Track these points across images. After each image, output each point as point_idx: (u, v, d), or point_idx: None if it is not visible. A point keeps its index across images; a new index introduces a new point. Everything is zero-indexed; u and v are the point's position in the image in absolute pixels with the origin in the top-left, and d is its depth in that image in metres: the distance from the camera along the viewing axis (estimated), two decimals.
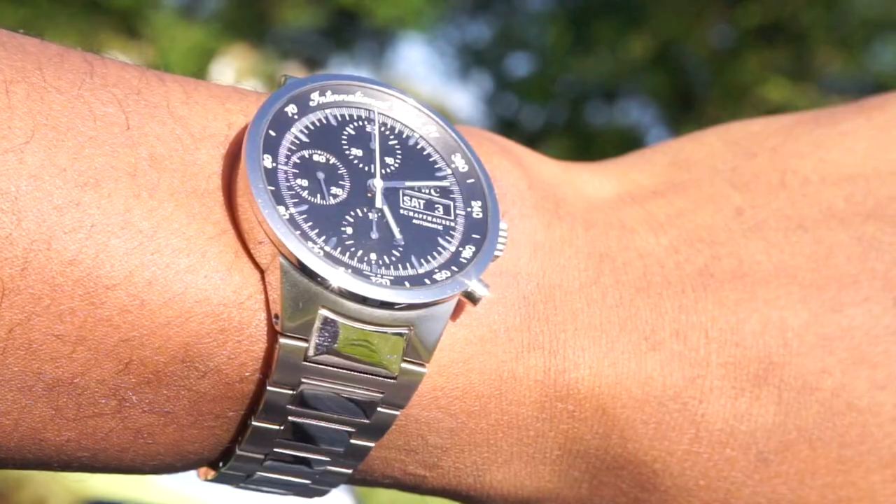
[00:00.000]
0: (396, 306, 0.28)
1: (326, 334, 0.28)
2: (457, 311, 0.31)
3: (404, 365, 0.29)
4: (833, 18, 7.42)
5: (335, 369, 0.28)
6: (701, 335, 0.33)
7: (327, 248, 0.28)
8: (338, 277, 0.28)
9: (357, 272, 0.28)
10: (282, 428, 0.29)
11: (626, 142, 7.90)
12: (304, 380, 0.28)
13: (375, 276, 0.29)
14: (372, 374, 0.29)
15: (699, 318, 0.33)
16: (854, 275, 0.34)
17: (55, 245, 0.25)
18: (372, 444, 0.30)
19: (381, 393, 0.29)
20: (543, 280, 0.33)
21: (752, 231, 0.35)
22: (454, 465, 0.32)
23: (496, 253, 0.31)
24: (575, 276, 0.33)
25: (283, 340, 0.27)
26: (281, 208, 0.28)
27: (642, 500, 0.34)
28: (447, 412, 0.31)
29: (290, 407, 0.28)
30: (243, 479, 0.30)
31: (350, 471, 0.30)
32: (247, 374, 0.28)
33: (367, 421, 0.29)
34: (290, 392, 0.28)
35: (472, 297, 0.30)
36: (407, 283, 0.29)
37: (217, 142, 0.29)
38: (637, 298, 0.33)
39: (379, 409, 0.30)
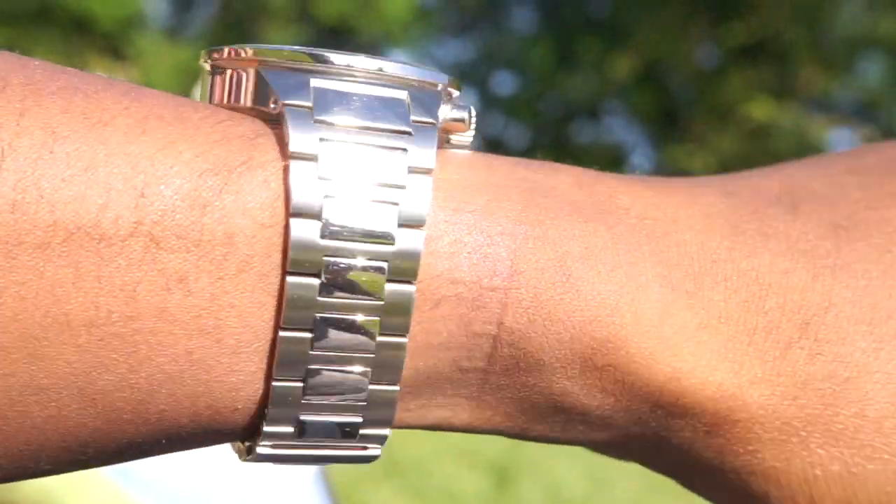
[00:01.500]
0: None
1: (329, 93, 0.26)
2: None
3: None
4: (816, 37, 7.48)
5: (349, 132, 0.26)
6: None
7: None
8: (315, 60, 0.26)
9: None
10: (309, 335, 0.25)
11: (612, 159, 7.92)
12: (322, 137, 0.25)
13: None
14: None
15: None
16: None
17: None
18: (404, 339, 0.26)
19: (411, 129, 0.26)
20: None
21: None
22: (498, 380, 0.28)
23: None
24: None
25: (288, 111, 0.25)
26: None
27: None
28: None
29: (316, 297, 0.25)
30: (287, 451, 0.28)
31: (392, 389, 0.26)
32: (269, 164, 0.25)
33: (382, 301, 0.25)
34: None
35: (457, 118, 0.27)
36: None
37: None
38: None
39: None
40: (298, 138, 0.24)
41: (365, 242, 0.25)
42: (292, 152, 0.24)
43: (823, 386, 0.28)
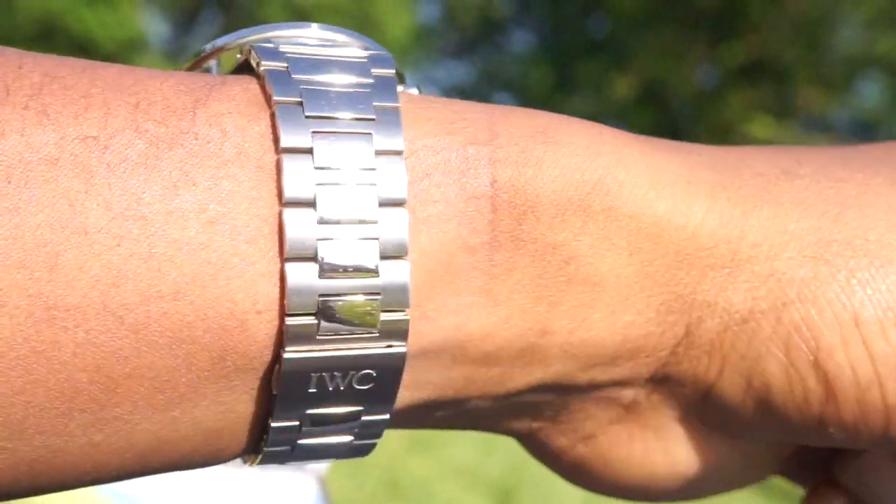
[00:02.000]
0: None
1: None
2: None
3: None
4: (815, 57, 7.50)
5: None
6: None
7: None
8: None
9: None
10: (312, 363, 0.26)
11: None
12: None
13: None
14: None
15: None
16: None
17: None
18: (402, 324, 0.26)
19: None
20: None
21: None
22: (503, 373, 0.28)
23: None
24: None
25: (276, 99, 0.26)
26: None
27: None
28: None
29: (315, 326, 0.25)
30: (289, 455, 0.28)
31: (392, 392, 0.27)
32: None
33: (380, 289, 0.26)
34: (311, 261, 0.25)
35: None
36: None
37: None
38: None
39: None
40: (268, 55, 0.26)
41: (349, 120, 0.26)
42: (265, 66, 0.26)
43: (824, 208, 0.29)
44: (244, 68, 0.27)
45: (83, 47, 6.77)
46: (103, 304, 0.23)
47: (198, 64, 0.29)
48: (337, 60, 0.27)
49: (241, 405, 0.26)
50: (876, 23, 7.14)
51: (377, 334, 0.26)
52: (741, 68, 7.50)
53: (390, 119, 0.26)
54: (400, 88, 0.28)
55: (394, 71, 0.27)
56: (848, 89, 7.67)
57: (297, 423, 0.26)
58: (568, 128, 0.28)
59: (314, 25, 0.28)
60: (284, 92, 0.26)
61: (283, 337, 0.25)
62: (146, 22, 7.53)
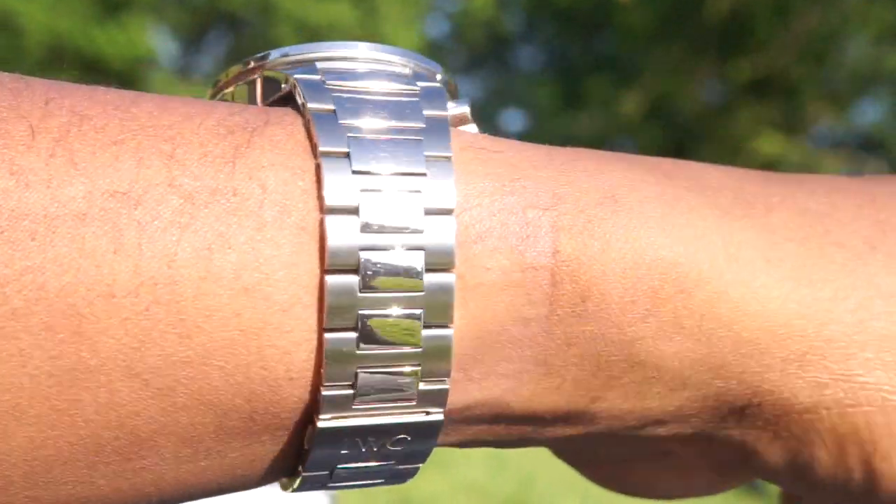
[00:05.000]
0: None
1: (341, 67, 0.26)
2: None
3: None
4: (823, 73, 7.50)
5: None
6: None
7: None
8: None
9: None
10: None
11: None
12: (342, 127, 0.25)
13: None
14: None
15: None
16: None
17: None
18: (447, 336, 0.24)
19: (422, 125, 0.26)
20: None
21: None
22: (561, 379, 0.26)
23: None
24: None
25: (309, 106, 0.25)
26: None
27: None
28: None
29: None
30: (328, 479, 0.27)
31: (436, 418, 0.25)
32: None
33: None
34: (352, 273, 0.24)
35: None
36: None
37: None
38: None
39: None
40: (313, 95, 0.24)
41: (397, 176, 0.24)
42: (311, 108, 0.24)
43: None
44: (288, 98, 0.26)
45: (92, 66, 6.80)
46: (128, 367, 0.22)
47: (239, 78, 0.28)
48: (386, 101, 0.25)
49: (270, 455, 0.25)
50: (883, 39, 7.14)
51: (415, 403, 0.24)
52: (749, 85, 7.49)
53: (442, 172, 0.24)
54: (451, 106, 0.27)
55: (446, 112, 0.25)
56: (856, 105, 7.65)
57: (327, 472, 0.26)
58: (640, 192, 0.26)
59: (361, 45, 0.27)
60: (331, 141, 0.24)
61: (318, 405, 0.24)
62: (155, 40, 7.57)
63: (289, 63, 0.26)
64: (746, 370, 0.26)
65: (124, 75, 7.01)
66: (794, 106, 7.59)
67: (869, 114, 7.78)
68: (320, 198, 0.23)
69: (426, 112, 0.25)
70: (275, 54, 0.27)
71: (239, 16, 7.82)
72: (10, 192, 0.22)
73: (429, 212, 0.24)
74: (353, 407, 0.24)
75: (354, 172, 0.24)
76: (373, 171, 0.24)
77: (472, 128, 0.27)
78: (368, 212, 0.24)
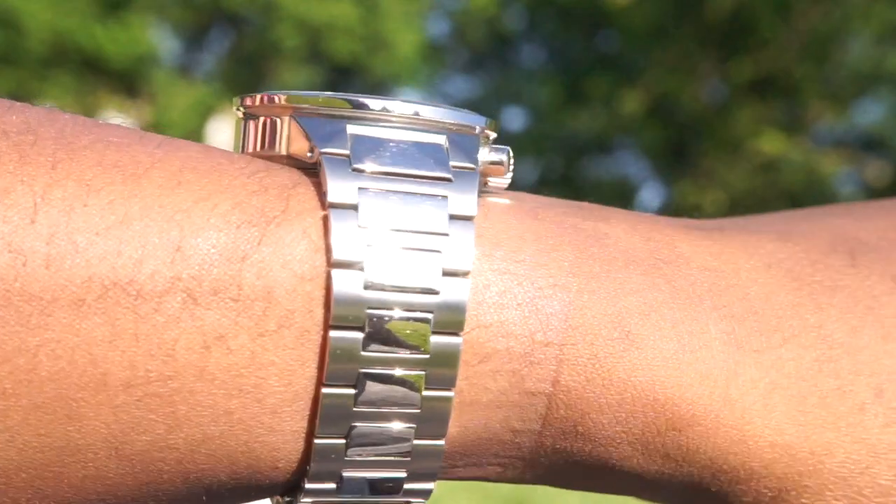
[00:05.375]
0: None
1: (362, 146, 0.25)
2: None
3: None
4: (825, 72, 7.49)
5: (390, 177, 0.25)
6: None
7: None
8: (353, 98, 0.25)
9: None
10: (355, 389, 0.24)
11: (621, 194, 7.92)
12: (360, 188, 0.24)
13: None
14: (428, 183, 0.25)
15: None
16: None
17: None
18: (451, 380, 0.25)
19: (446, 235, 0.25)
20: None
21: None
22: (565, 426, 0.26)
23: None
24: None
25: (325, 159, 0.24)
26: None
27: None
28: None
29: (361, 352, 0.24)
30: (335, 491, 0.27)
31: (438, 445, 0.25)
32: (307, 212, 0.24)
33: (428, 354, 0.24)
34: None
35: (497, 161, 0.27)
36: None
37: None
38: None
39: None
40: (336, 187, 0.24)
41: (409, 293, 0.24)
42: (331, 202, 0.24)
43: None
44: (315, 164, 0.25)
45: (94, 64, 6.80)
46: (115, 449, 0.23)
47: (269, 110, 0.26)
48: (415, 196, 0.24)
49: None
50: (885, 38, 7.13)
51: (399, 497, 0.25)
52: (750, 84, 7.49)
53: (455, 295, 0.24)
54: (484, 153, 0.26)
55: (474, 212, 0.25)
56: (858, 105, 7.65)
57: None
58: (655, 322, 0.26)
59: (398, 101, 0.26)
60: (346, 251, 0.23)
61: (301, 493, 0.24)
62: (157, 38, 7.57)
63: (318, 109, 0.25)
64: (721, 492, 0.27)
65: (125, 74, 7.02)
66: (795, 105, 7.59)
67: (870, 113, 7.77)
68: (327, 308, 0.23)
69: (453, 212, 0.25)
70: (306, 94, 0.26)
71: (240, 14, 7.83)
72: (8, 270, 0.21)
73: (436, 331, 0.24)
74: (338, 499, 0.24)
75: (366, 287, 0.23)
76: (384, 302, 0.23)
77: (507, 179, 0.27)
78: (374, 335, 0.23)
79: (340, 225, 0.23)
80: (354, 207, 0.24)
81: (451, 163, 0.25)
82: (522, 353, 0.24)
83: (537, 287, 0.25)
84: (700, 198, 7.26)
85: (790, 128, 7.38)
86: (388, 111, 0.25)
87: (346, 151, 0.24)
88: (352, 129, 0.25)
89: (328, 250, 0.23)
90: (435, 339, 0.24)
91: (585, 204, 0.29)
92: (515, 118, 9.03)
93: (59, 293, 0.22)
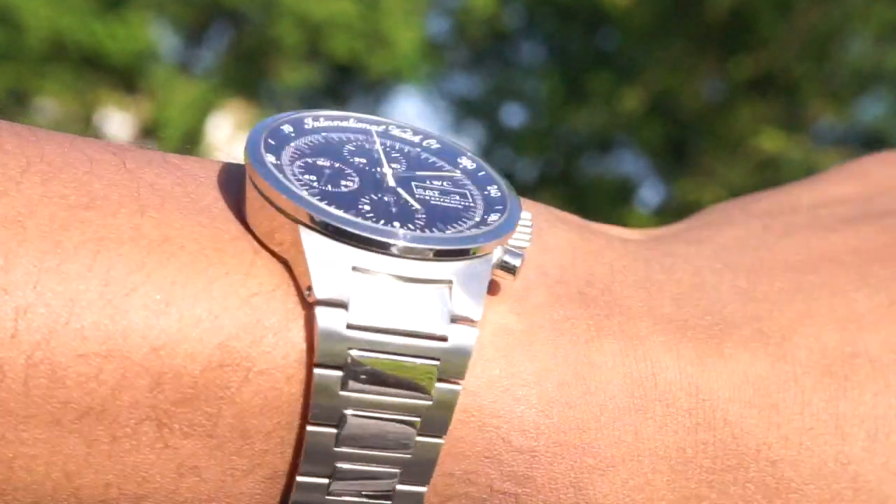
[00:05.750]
0: (430, 253, 0.27)
1: (364, 295, 0.26)
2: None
3: (452, 328, 0.27)
4: (825, 71, 7.49)
5: (382, 337, 0.26)
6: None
7: (348, 216, 0.27)
8: (363, 227, 0.26)
9: (383, 231, 0.27)
10: (336, 436, 0.26)
11: (621, 192, 7.92)
12: (350, 349, 0.25)
13: (405, 229, 0.27)
14: (416, 337, 0.27)
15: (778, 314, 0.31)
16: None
17: (65, 260, 0.23)
18: (440, 440, 0.27)
19: (436, 360, 0.27)
20: (594, 277, 0.30)
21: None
22: (548, 476, 0.29)
23: (523, 244, 0.29)
24: (626, 274, 0.31)
25: (319, 310, 0.25)
26: (292, 186, 0.27)
27: None
28: (524, 403, 0.28)
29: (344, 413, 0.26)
30: None
31: (421, 489, 0.28)
32: (292, 363, 0.25)
33: (418, 418, 0.27)
34: (340, 380, 0.26)
35: (508, 266, 0.28)
36: (436, 233, 0.28)
37: (219, 182, 0.28)
38: (687, 291, 0.31)
39: (438, 384, 0.27)
40: (326, 350, 0.25)
41: (377, 461, 0.26)
42: (317, 362, 0.25)
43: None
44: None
45: (93, 60, 6.79)
46: None
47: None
48: (398, 371, 0.26)
49: None
50: (885, 37, 7.14)
51: None
52: (750, 82, 7.49)
53: (426, 456, 0.26)
54: (498, 253, 0.28)
55: (459, 388, 0.26)
56: (858, 103, 7.65)
57: None
58: (608, 481, 0.28)
59: (407, 124, 0.28)
60: (324, 416, 0.25)
61: None
62: (156, 35, 7.56)
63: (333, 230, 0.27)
64: None
65: (124, 70, 7.01)
66: (795, 103, 7.59)
67: (870, 111, 7.78)
68: (297, 453, 0.25)
69: (436, 389, 0.27)
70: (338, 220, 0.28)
71: (240, 11, 7.82)
72: None
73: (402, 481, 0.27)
74: None
75: (337, 444, 0.25)
76: (352, 491, 0.26)
77: (517, 259, 0.29)
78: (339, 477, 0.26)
79: (323, 380, 0.25)
80: (339, 382, 0.25)
81: (453, 312, 0.26)
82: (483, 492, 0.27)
83: (504, 440, 0.27)
84: (700, 195, 7.25)
85: (790, 126, 7.37)
86: (410, 250, 0.26)
87: (346, 300, 0.25)
88: (356, 266, 0.26)
89: (306, 403, 0.25)
90: (401, 488, 0.27)
91: (590, 304, 0.30)
92: (515, 115, 9.03)
93: (36, 411, 0.22)
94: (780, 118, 7.48)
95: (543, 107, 8.58)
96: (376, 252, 0.26)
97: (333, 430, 0.25)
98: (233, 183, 0.28)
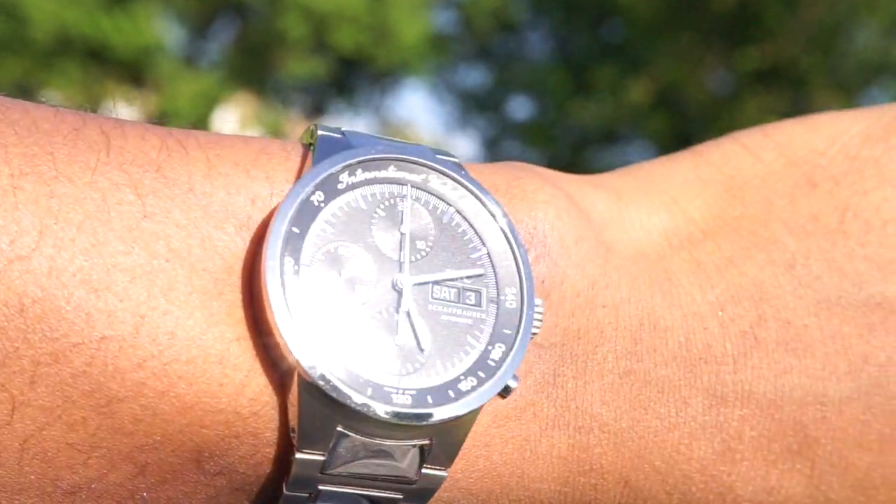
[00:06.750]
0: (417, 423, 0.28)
1: (343, 450, 0.27)
2: None
3: (425, 471, 0.29)
4: (831, 62, 7.47)
5: (353, 479, 0.28)
6: (735, 408, 0.32)
7: (348, 365, 0.27)
8: (358, 401, 0.27)
9: (377, 390, 0.27)
10: None
11: None
12: (321, 487, 0.28)
13: (397, 392, 0.28)
14: (391, 481, 0.29)
15: (735, 389, 0.32)
16: None
17: (63, 358, 0.25)
18: None
19: (400, 494, 0.29)
20: (577, 350, 0.32)
21: (803, 288, 0.33)
22: None
23: (533, 331, 0.30)
24: (611, 346, 0.32)
25: (298, 455, 0.27)
26: (299, 318, 0.27)
27: None
28: (467, 492, 0.30)
29: None
30: None
31: None
32: (264, 473, 0.28)
33: None
34: (308, 495, 0.28)
35: (500, 394, 0.29)
36: (430, 398, 0.28)
37: (239, 222, 0.28)
38: (672, 370, 0.32)
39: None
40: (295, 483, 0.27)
41: None
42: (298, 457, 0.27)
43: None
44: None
45: (100, 53, 6.80)
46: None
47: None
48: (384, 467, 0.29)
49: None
50: (891, 29, 7.11)
51: None
52: (756, 74, 7.48)
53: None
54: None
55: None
56: (864, 95, 7.63)
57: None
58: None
59: (449, 172, 0.31)
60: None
61: None
62: (162, 28, 7.57)
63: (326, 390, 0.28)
64: None
65: (131, 63, 7.02)
66: (801, 95, 7.57)
67: (877, 102, 7.75)
68: None
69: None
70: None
71: (246, 3, 7.83)
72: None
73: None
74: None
75: None
76: None
77: (513, 382, 0.31)
78: None
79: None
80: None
81: (425, 466, 0.29)
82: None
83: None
84: None
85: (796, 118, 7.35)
86: (396, 419, 0.28)
87: (322, 458, 0.27)
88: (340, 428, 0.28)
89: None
90: None
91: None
92: (522, 108, 9.02)
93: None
94: (787, 110, 7.47)
95: (550, 99, 8.58)
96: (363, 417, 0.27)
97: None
98: (255, 227, 0.29)
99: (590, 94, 8.18)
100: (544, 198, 0.33)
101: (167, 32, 7.76)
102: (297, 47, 7.65)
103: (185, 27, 8.16)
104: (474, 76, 9.25)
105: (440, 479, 0.29)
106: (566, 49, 8.84)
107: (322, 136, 0.31)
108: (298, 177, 0.30)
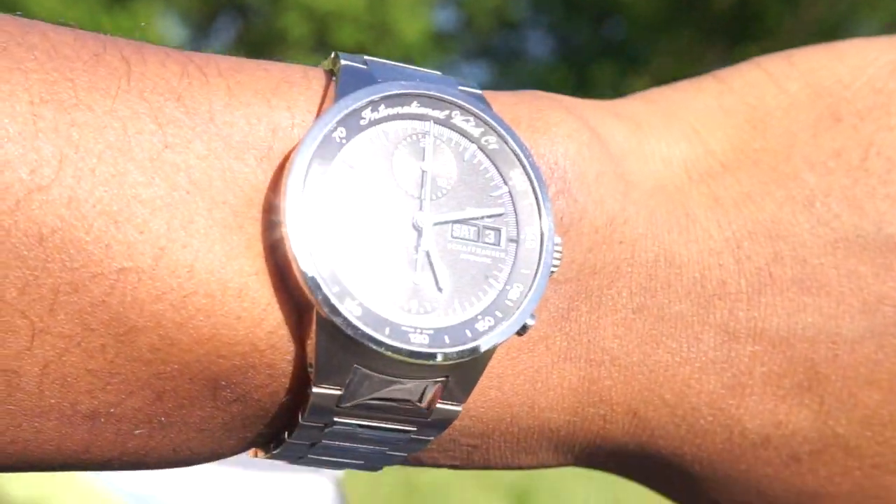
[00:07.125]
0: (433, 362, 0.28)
1: (359, 386, 0.27)
2: None
3: (439, 405, 0.29)
4: None
5: (368, 411, 0.28)
6: (747, 344, 0.32)
7: (366, 303, 0.27)
8: (376, 341, 0.27)
9: (395, 330, 0.27)
10: (324, 432, 0.29)
11: None
12: (336, 419, 0.28)
13: (414, 332, 0.27)
14: (405, 415, 0.29)
15: (748, 326, 0.32)
16: None
17: (82, 287, 0.25)
18: (405, 455, 0.31)
19: (414, 427, 0.29)
20: (592, 286, 0.31)
21: (821, 226, 0.33)
22: (484, 458, 0.32)
23: (551, 270, 0.29)
24: (626, 282, 0.32)
25: (315, 389, 0.27)
26: (321, 260, 0.27)
27: (670, 482, 0.34)
28: (477, 420, 0.30)
29: (325, 432, 0.29)
30: (299, 460, 0.31)
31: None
32: (279, 402, 0.28)
33: (401, 454, 0.30)
34: (323, 425, 0.28)
35: (517, 333, 0.29)
36: (447, 338, 0.28)
37: (260, 153, 0.28)
38: (686, 305, 0.32)
39: (412, 437, 0.30)
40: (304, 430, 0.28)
41: None
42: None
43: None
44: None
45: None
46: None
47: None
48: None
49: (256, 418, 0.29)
50: (892, 27, 7.11)
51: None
52: None
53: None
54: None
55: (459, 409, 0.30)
56: None
57: (310, 444, 0.30)
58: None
59: (473, 108, 0.30)
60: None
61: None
62: (164, 27, 7.56)
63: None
64: None
65: None
66: None
67: None
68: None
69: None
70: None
71: (247, 3, 7.82)
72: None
73: None
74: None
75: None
76: None
77: (530, 320, 0.31)
78: None
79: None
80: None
81: (440, 400, 0.29)
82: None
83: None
84: None
85: None
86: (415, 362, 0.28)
87: (339, 392, 0.28)
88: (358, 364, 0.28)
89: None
90: None
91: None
92: None
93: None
94: None
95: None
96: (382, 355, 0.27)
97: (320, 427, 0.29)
98: (276, 159, 0.28)
99: (590, 92, 8.14)
100: (566, 131, 0.33)
101: (168, 31, 7.75)
102: (298, 46, 7.63)
103: (186, 26, 8.15)
104: (475, 74, 9.23)
105: (454, 414, 0.29)
106: (567, 47, 8.83)
107: (345, 66, 0.31)
108: (321, 107, 0.29)
